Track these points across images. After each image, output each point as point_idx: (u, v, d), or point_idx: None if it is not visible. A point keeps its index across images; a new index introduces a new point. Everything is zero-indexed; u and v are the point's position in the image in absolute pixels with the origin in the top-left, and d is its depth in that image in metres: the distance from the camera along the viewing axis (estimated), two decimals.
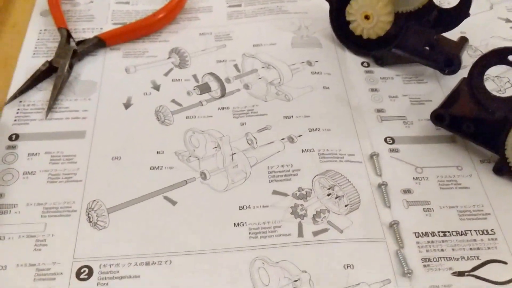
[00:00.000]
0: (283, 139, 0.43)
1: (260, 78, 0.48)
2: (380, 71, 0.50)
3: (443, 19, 0.46)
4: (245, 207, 0.39)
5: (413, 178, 0.41)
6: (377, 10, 0.47)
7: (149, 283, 0.35)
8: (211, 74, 0.48)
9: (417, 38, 0.47)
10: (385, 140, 0.44)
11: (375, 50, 0.50)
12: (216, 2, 0.56)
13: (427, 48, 0.47)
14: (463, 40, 0.49)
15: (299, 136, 0.43)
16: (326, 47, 0.51)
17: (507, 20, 0.56)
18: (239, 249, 0.37)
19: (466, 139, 0.43)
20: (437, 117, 0.43)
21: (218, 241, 0.37)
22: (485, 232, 0.38)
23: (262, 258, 0.36)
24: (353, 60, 0.50)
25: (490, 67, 0.39)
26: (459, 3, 0.45)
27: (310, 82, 0.48)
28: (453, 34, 0.47)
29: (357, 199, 0.39)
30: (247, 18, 0.54)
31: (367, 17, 0.48)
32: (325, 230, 0.38)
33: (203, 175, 0.41)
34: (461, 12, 0.44)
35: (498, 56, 0.38)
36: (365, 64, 0.50)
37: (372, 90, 0.48)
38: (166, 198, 0.39)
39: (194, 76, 0.48)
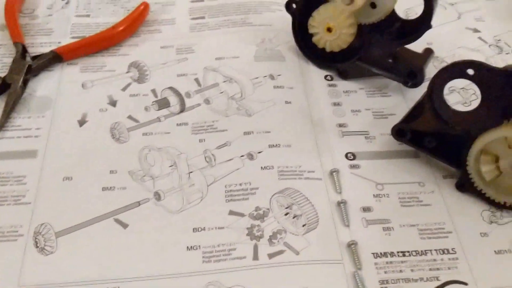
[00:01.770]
0: (242, 156, 0.42)
1: (221, 93, 0.47)
2: (343, 85, 0.49)
3: (406, 31, 0.45)
4: (199, 229, 0.38)
5: (374, 195, 0.40)
6: (339, 23, 0.46)
7: None
8: (171, 88, 0.47)
9: (380, 51, 0.46)
10: (346, 156, 0.43)
11: (339, 63, 0.49)
12: (179, 14, 0.55)
13: (391, 60, 0.46)
14: (428, 52, 0.48)
15: (259, 152, 0.42)
16: (289, 60, 0.50)
17: (475, 30, 0.55)
18: (192, 274, 0.35)
19: (428, 155, 0.42)
20: (398, 132, 0.42)
21: (170, 266, 0.36)
22: (445, 251, 0.37)
23: (214, 284, 0.35)
24: (316, 74, 0.49)
25: (450, 80, 0.38)
26: (421, 14, 0.44)
27: (272, 96, 0.47)
28: (419, 45, 0.47)
29: (315, 218, 0.38)
30: (210, 31, 0.53)
31: (329, 30, 0.47)
32: (281, 252, 0.37)
33: (157, 196, 0.39)
34: (423, 24, 0.44)
35: (457, 70, 0.37)
36: (329, 77, 0.49)
37: (335, 104, 0.47)
38: (117, 220, 0.38)
39: (153, 91, 0.47)
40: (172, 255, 0.36)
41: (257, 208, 0.39)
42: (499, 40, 0.54)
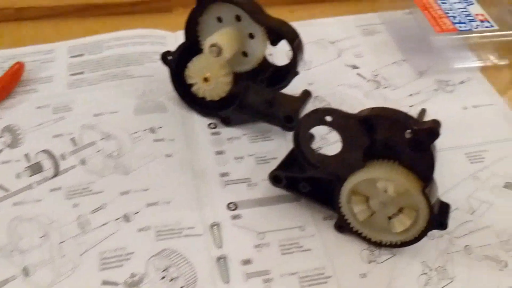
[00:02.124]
0: (118, 218, 0.41)
1: (98, 151, 0.46)
2: (227, 132, 0.49)
3: (277, 77, 0.46)
4: None
5: (254, 245, 0.40)
6: (214, 73, 0.46)
7: None
8: (45, 151, 0.45)
9: (257, 97, 0.47)
10: (228, 206, 0.43)
11: (220, 111, 0.49)
12: (57, 71, 0.53)
13: (268, 106, 0.47)
14: (305, 94, 0.49)
15: (136, 213, 0.41)
16: (171, 111, 0.50)
17: (354, 67, 0.57)
18: None
19: (305, 199, 0.42)
20: (274, 178, 0.42)
21: None
22: None
23: None
24: (199, 122, 0.49)
25: (313, 126, 0.38)
26: (289, 62, 0.45)
27: (152, 150, 0.46)
28: (301, 86, 0.48)
29: (193, 279, 0.38)
30: (89, 86, 0.52)
31: (206, 80, 0.47)
32: None
33: (25, 271, 0.37)
34: (291, 70, 0.45)
35: (317, 117, 0.37)
36: (212, 125, 0.49)
37: (218, 152, 0.47)
38: None
39: (26, 156, 0.45)
40: None
41: (132, 275, 0.38)
42: (377, 74, 0.56)
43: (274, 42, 0.43)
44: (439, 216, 0.38)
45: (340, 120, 0.37)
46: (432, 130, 0.34)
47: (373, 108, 0.36)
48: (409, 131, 0.35)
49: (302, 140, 0.39)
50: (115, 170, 0.44)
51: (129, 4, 0.61)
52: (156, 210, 0.42)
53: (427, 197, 0.36)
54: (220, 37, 0.43)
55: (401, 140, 0.35)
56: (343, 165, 0.38)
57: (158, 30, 0.58)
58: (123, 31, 0.57)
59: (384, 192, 0.38)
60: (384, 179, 0.37)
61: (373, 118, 0.36)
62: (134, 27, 0.59)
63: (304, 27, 0.60)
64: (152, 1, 0.62)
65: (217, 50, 0.43)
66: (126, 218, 0.41)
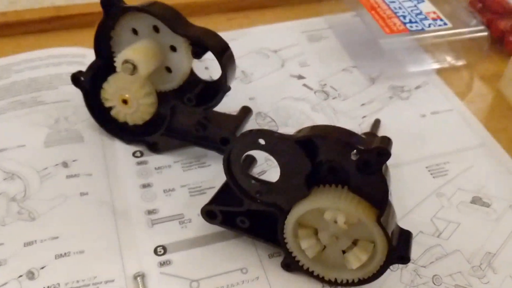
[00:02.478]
0: (20, 276, 0.34)
1: (0, 194, 0.38)
2: (155, 160, 0.42)
3: (208, 94, 0.40)
4: None
5: None
6: (134, 93, 0.40)
7: None
8: None
9: (186, 119, 0.41)
10: (155, 251, 0.36)
11: (145, 137, 0.42)
12: None
13: (200, 128, 0.41)
14: (245, 111, 0.43)
15: (42, 268, 0.34)
16: (89, 140, 0.43)
17: (300, 77, 0.52)
18: None
19: (245, 235, 0.36)
20: (208, 214, 0.36)
21: None
22: None
23: None
24: (123, 151, 0.43)
25: (247, 151, 0.32)
26: (219, 77, 0.39)
27: (64, 189, 0.39)
28: (242, 102, 0.43)
29: None
30: None
31: (125, 102, 0.40)
32: None
33: None
34: (221, 85, 0.38)
35: (250, 140, 0.31)
36: (138, 153, 0.43)
37: (144, 185, 0.40)
38: None
39: None
40: None
41: None
42: (325, 84, 0.51)
43: (197, 55, 0.37)
44: (399, 248, 0.32)
45: (275, 143, 0.31)
46: (381, 150, 0.28)
47: (312, 127, 0.31)
48: (354, 152, 0.29)
49: (235, 168, 0.33)
50: (19, 216, 0.37)
51: (45, 21, 0.54)
52: (66, 262, 0.34)
53: (383, 227, 0.30)
54: (134, 52, 0.36)
55: (348, 162, 0.30)
56: (285, 195, 0.33)
57: (75, 48, 0.51)
58: (35, 51, 0.50)
59: (334, 223, 0.32)
60: (332, 209, 0.31)
61: (313, 139, 0.30)
62: (51, 46, 0.52)
63: (244, 36, 0.56)
64: (72, 16, 0.55)
65: (131, 67, 0.36)
66: (30, 274, 0.34)
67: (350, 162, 0.29)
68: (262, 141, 0.31)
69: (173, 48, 0.38)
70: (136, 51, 0.37)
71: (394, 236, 0.32)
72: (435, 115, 0.49)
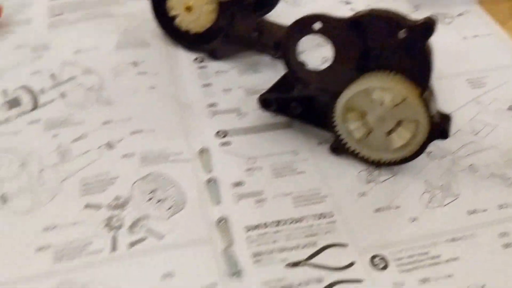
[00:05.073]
0: (100, 146, 0.39)
1: (79, 85, 0.43)
2: (214, 65, 0.46)
3: (263, 2, 0.44)
4: (51, 228, 0.34)
5: (245, 169, 0.38)
6: (196, 0, 0.44)
7: None
8: (23, 87, 0.43)
9: (244, 25, 0.45)
10: (217, 133, 0.40)
11: (206, 44, 0.46)
12: (36, 13, 0.51)
13: (256, 34, 0.45)
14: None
15: (119, 141, 0.39)
16: (154, 47, 0.47)
17: (347, 2, 0.55)
18: (40, 277, 0.31)
19: (297, 121, 0.40)
20: (264, 102, 0.40)
21: (15, 271, 0.31)
22: (322, 216, 0.35)
23: (65, 284, 0.31)
24: (185, 58, 0.47)
25: (301, 37, 0.36)
26: None
27: (135, 83, 0.44)
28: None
29: (181, 200, 0.35)
30: (69, 26, 0.49)
31: (189, 9, 0.44)
32: (143, 239, 0.33)
33: (3, 199, 0.35)
34: None
35: (304, 25, 0.35)
36: (199, 59, 0.47)
37: (205, 85, 0.45)
38: None
39: (4, 92, 0.43)
40: (19, 259, 0.32)
41: (116, 198, 0.35)
42: None
43: None
44: (440, 124, 0.35)
45: (331, 26, 0.34)
46: (427, 24, 0.32)
47: (363, 10, 0.34)
48: (403, 30, 0.32)
49: (290, 53, 0.37)
50: (97, 102, 0.42)
51: None
52: (140, 137, 0.39)
53: (425, 103, 0.34)
54: None
55: (395, 43, 0.33)
56: (336, 79, 0.36)
57: None
58: None
59: (380, 105, 0.35)
60: (380, 89, 0.35)
61: (365, 20, 0.34)
62: None
63: None
64: None
65: None
66: (109, 145, 0.39)
67: (398, 43, 0.33)
68: (318, 25, 0.34)
69: None
70: None
71: (435, 116, 0.35)
72: (476, 38, 0.51)
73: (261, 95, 0.40)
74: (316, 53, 0.44)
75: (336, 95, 0.36)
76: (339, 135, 0.38)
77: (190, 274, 0.32)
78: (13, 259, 0.32)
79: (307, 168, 0.38)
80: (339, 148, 0.39)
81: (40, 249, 0.33)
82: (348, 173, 0.38)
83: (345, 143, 0.38)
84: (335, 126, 0.38)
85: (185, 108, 0.42)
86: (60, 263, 0.32)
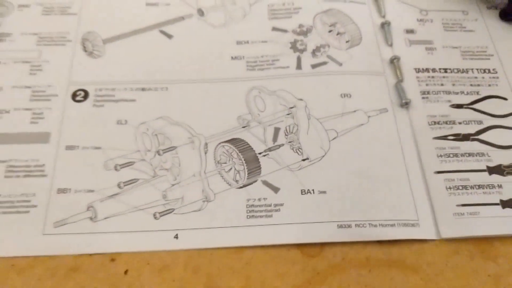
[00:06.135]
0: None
1: None
2: None
3: None
4: (243, 42, 0.38)
5: (417, 19, 0.40)
6: None
7: (144, 106, 0.35)
8: None
9: None
10: None
11: None
12: None
13: None
14: None
15: None
16: None
17: None
18: (236, 79, 0.36)
19: None
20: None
21: (215, 72, 0.37)
22: (487, 71, 0.38)
23: (259, 88, 0.36)
24: None
25: None
26: None
27: None
28: None
29: (358, 36, 0.39)
30: None
31: None
32: (324, 63, 0.37)
33: (200, 12, 0.40)
34: None
35: None
36: None
37: None
38: (162, 32, 0.39)
39: None
40: (217, 63, 0.37)
41: (300, 26, 0.39)
42: None
43: None
44: None
45: None
46: None
47: None
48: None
49: None
50: None
51: None
52: None
53: None
54: None
55: None
56: None
57: None
58: None
59: None
60: None
61: None
62: None
63: None
64: None
65: None
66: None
67: None
68: None
69: None
70: None
71: None
72: None
73: None
74: None
75: None
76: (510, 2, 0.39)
77: (364, 98, 0.36)
78: (211, 63, 0.37)
79: (476, 27, 0.40)
80: (509, 15, 0.40)
81: (234, 58, 0.37)
82: None
83: None
84: None
85: None
86: (252, 71, 0.37)
